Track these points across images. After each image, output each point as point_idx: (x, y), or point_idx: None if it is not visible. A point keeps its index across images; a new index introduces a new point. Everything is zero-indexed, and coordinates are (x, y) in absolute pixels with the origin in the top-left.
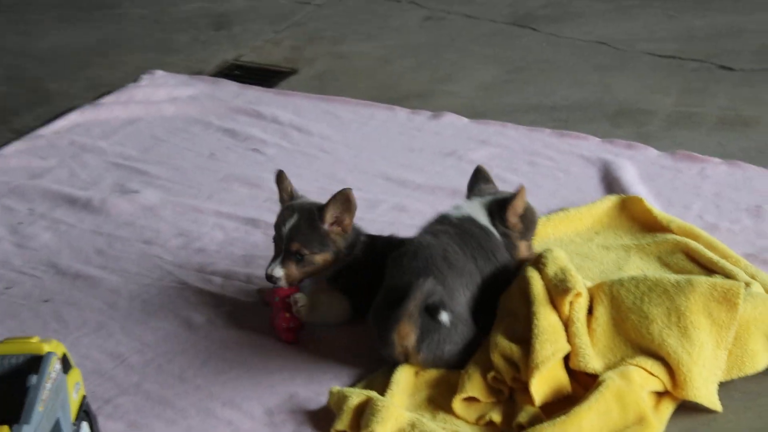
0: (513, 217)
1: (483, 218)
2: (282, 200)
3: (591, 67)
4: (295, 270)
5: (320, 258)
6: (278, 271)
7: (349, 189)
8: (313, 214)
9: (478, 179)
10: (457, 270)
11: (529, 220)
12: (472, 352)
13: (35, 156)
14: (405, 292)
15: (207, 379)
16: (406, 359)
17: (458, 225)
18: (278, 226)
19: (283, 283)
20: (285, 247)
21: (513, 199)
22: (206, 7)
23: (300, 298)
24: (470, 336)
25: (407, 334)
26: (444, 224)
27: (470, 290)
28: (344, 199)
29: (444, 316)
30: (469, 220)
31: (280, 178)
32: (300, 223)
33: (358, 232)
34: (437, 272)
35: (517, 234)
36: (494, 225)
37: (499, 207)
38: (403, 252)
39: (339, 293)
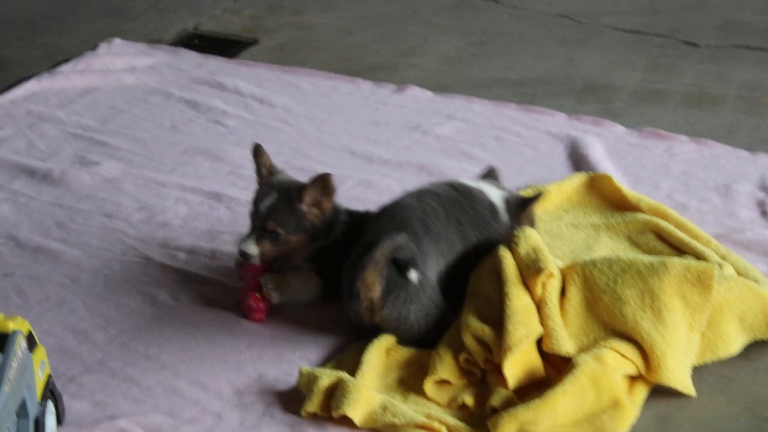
0: (526, 220)
1: (497, 199)
2: (260, 174)
3: (555, 41)
4: (269, 248)
5: (296, 238)
6: (252, 248)
7: (329, 174)
8: (291, 194)
9: (487, 177)
10: (434, 235)
11: (532, 220)
12: (438, 322)
13: None
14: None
15: (173, 357)
16: (371, 317)
17: (458, 190)
18: (256, 202)
19: (256, 260)
20: (261, 225)
21: (532, 203)
22: None
23: (269, 280)
24: (438, 304)
25: (372, 284)
26: (441, 187)
27: (445, 258)
28: (323, 183)
29: (413, 274)
30: (478, 191)
31: (258, 152)
32: (278, 202)
33: (338, 212)
34: (412, 234)
35: None
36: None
37: (518, 206)
38: (382, 212)
39: (311, 273)
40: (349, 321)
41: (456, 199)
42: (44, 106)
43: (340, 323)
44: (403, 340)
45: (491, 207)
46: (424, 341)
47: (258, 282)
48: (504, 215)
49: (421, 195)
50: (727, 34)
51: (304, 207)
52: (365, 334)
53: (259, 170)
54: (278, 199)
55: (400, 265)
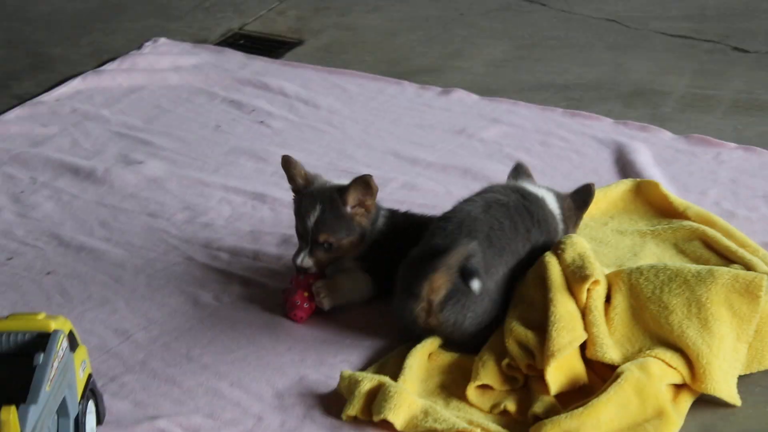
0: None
1: (553, 204)
2: (295, 184)
3: (603, 46)
4: (324, 257)
5: (347, 242)
6: (308, 261)
7: (369, 175)
8: (335, 200)
9: (519, 173)
10: (498, 249)
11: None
12: (489, 330)
13: (36, 123)
14: (444, 251)
15: (214, 358)
16: (426, 317)
17: (526, 198)
18: (302, 217)
19: (314, 270)
20: (312, 239)
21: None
22: None
23: (322, 288)
24: (494, 315)
25: (439, 287)
26: (508, 194)
27: (509, 267)
28: (364, 184)
29: (476, 284)
30: (542, 199)
31: (288, 163)
32: (324, 212)
33: (378, 207)
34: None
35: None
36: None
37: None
38: (448, 218)
39: (361, 272)
40: (397, 320)
41: (524, 208)
42: (89, 104)
43: (384, 327)
44: (450, 344)
45: (552, 214)
46: (472, 346)
47: (308, 282)
48: (560, 220)
49: (488, 206)
50: None
51: (348, 209)
52: (411, 336)
53: (294, 180)
54: (323, 209)
55: (465, 273)
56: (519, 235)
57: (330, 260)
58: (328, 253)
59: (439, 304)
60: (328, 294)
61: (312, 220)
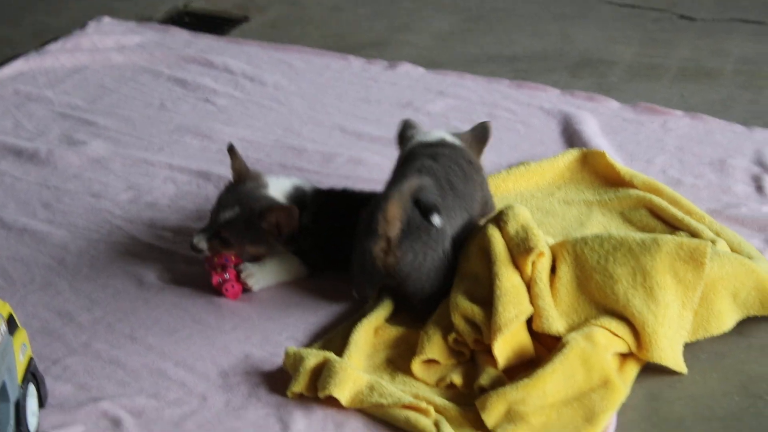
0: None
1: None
2: (233, 176)
3: (550, 17)
4: (220, 248)
5: (252, 249)
6: (203, 244)
7: (293, 206)
8: (253, 213)
9: (408, 128)
10: (458, 192)
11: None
12: (445, 284)
13: None
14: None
15: (159, 339)
16: (385, 257)
17: (456, 149)
18: (217, 207)
19: (206, 254)
20: (216, 229)
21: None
22: None
23: (246, 269)
24: (451, 262)
25: (393, 218)
26: (441, 147)
27: (464, 216)
28: (288, 214)
29: (437, 218)
30: (462, 150)
31: (231, 153)
32: (237, 217)
33: (304, 192)
34: (438, 188)
35: None
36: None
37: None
38: (398, 167)
39: (289, 254)
40: (356, 273)
41: (461, 156)
42: (32, 85)
43: (330, 303)
44: (409, 296)
45: (476, 165)
46: (427, 301)
47: (228, 259)
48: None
49: (434, 156)
50: (724, 7)
51: (264, 225)
52: (369, 289)
53: (232, 172)
54: (238, 214)
55: (423, 208)
56: (470, 180)
57: (227, 252)
58: (225, 247)
59: (397, 239)
60: (252, 275)
61: (223, 216)
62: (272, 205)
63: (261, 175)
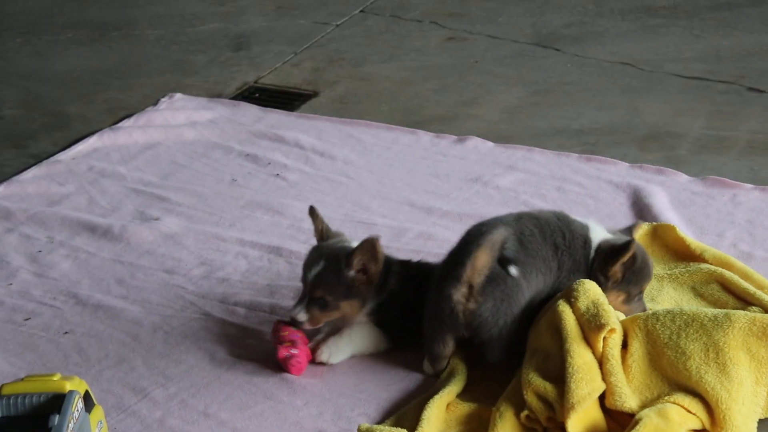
0: (617, 268)
1: (596, 239)
2: (315, 236)
3: (618, 89)
4: (319, 314)
5: (346, 305)
6: (302, 315)
7: (376, 237)
8: (339, 261)
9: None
10: (531, 252)
11: (635, 272)
12: (520, 338)
13: (53, 182)
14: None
15: (232, 414)
16: (465, 303)
17: (559, 218)
18: (305, 268)
19: (307, 326)
20: (309, 293)
21: (623, 253)
22: (224, 28)
23: (324, 343)
24: (527, 315)
25: (482, 267)
26: (542, 212)
27: (543, 276)
28: (370, 247)
29: (513, 269)
30: (579, 225)
31: (312, 214)
32: (325, 269)
33: (390, 264)
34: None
35: (612, 282)
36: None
37: (606, 254)
38: (481, 224)
39: (370, 325)
40: (428, 326)
41: (555, 225)
42: (106, 162)
43: (402, 379)
44: (483, 344)
45: (586, 242)
46: (499, 351)
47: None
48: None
49: (519, 217)
50: None
51: (352, 272)
52: (440, 345)
53: (315, 233)
54: (325, 266)
55: (502, 259)
56: (548, 245)
57: (327, 318)
58: (323, 310)
59: (480, 287)
60: (330, 349)
61: (312, 274)
62: (355, 249)
63: (343, 234)
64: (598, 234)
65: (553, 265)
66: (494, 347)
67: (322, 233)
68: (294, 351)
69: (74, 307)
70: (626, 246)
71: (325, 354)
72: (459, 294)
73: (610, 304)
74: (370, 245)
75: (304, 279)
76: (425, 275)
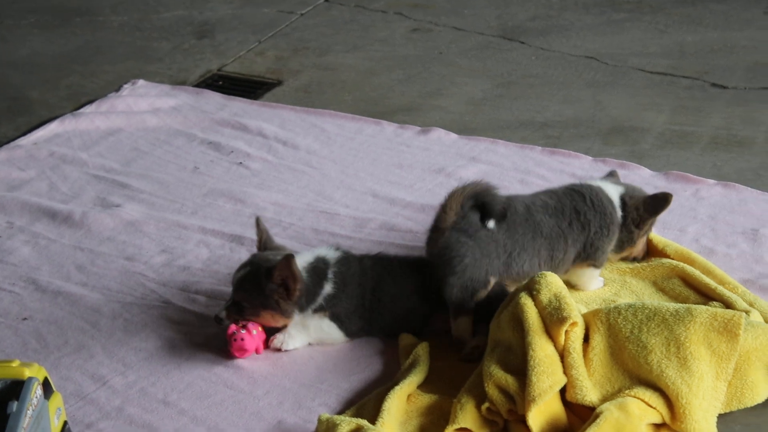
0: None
1: (615, 196)
2: (256, 246)
3: (582, 83)
4: (238, 317)
5: (267, 314)
6: (222, 313)
7: (291, 255)
8: (261, 272)
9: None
10: (532, 218)
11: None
12: (471, 308)
13: (14, 167)
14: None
15: (192, 403)
16: (435, 245)
17: (576, 190)
18: (235, 271)
19: (226, 324)
20: (232, 295)
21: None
22: (188, 15)
23: (277, 338)
24: (498, 290)
25: (450, 209)
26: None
27: (547, 241)
28: (286, 264)
29: (491, 223)
30: (597, 189)
31: (257, 224)
32: (248, 277)
33: (322, 273)
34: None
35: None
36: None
37: (643, 209)
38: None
39: (326, 319)
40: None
41: (573, 193)
42: (67, 147)
43: (362, 369)
44: (444, 278)
45: (608, 201)
46: (460, 291)
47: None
48: (618, 207)
49: (537, 193)
50: (756, 76)
51: (272, 286)
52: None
53: (258, 239)
54: (249, 274)
55: (485, 209)
56: (566, 212)
57: (245, 321)
58: (242, 314)
59: (452, 222)
60: (285, 336)
61: (236, 278)
62: (275, 264)
63: (284, 248)
64: (611, 189)
65: (570, 229)
66: (453, 284)
67: (261, 243)
68: (242, 331)
69: (33, 293)
70: (666, 199)
71: (278, 340)
72: (439, 218)
73: (634, 250)
74: (285, 262)
75: (232, 281)
76: (380, 266)
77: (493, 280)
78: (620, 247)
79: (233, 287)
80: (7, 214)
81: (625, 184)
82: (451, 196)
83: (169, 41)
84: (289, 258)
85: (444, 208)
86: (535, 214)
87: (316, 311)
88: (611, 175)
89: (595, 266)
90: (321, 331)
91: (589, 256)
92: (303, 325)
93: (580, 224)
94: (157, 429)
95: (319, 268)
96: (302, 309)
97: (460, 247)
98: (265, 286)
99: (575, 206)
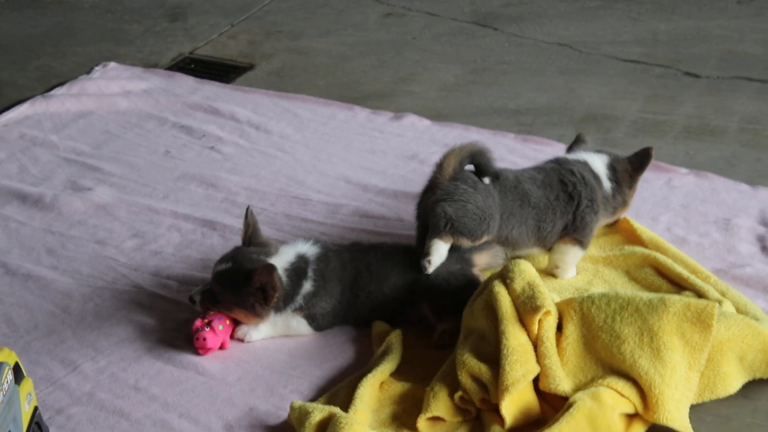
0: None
1: (602, 167)
2: (243, 235)
3: (555, 70)
4: (210, 306)
5: (240, 312)
6: (197, 297)
7: (273, 267)
8: (241, 272)
9: (577, 143)
10: (520, 194)
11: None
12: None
13: None
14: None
15: (163, 389)
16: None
17: (560, 162)
18: (218, 260)
19: (199, 308)
20: (210, 283)
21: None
22: None
23: (241, 329)
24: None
25: (448, 166)
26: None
27: (536, 211)
28: (267, 275)
29: (486, 180)
30: (575, 162)
31: (246, 214)
32: (229, 272)
33: (301, 273)
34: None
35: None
36: (615, 179)
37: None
38: None
39: (294, 314)
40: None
41: (560, 167)
42: (37, 130)
43: (335, 357)
44: (434, 216)
45: (593, 173)
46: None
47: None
48: (607, 178)
49: (524, 168)
50: (729, 65)
51: (251, 289)
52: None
53: (244, 231)
54: (230, 269)
55: (480, 169)
56: (553, 185)
57: (217, 310)
58: (215, 305)
59: (450, 175)
60: (249, 327)
61: (218, 269)
62: (255, 270)
63: (271, 245)
64: (597, 161)
65: (558, 201)
66: (439, 220)
67: (246, 236)
68: (206, 329)
69: (3, 276)
70: (648, 153)
71: (242, 331)
72: (434, 175)
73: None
74: (266, 271)
75: (213, 270)
76: (355, 255)
77: (487, 235)
78: (613, 212)
79: (212, 277)
80: None
81: (606, 150)
82: (449, 154)
83: (140, 24)
84: (270, 268)
85: (441, 166)
86: (524, 183)
87: (294, 311)
88: (581, 140)
89: (581, 245)
90: (288, 328)
91: (576, 230)
92: (272, 321)
93: (568, 195)
94: (127, 415)
95: (300, 268)
96: (279, 311)
97: (462, 193)
98: (243, 287)
99: (562, 179)
